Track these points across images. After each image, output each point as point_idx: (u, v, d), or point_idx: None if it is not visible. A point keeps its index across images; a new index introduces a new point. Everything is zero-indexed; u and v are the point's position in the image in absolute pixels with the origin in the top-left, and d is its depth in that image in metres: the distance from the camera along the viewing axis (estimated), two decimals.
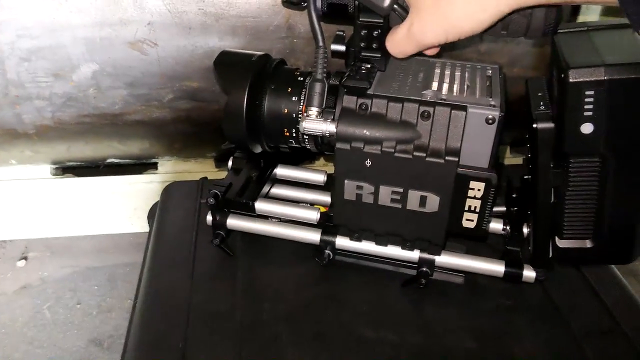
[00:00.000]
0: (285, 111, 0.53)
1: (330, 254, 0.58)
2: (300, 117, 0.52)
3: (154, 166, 0.88)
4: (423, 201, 0.50)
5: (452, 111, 0.47)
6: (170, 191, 0.73)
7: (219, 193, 0.58)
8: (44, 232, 0.90)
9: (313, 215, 0.59)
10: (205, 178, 0.74)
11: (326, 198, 0.65)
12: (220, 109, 0.75)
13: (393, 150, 0.48)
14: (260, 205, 0.60)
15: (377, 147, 0.48)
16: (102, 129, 0.76)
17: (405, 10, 0.47)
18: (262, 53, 0.55)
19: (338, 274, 0.59)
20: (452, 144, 0.47)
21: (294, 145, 0.56)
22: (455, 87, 0.50)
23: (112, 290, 0.83)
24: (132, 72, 0.70)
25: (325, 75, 0.51)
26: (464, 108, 0.46)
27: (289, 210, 0.60)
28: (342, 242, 0.57)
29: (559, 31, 0.47)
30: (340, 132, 0.48)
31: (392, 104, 0.48)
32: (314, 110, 0.51)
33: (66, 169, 0.87)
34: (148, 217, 0.74)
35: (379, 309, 0.56)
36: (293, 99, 0.53)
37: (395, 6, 0.47)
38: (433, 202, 0.49)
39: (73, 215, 0.89)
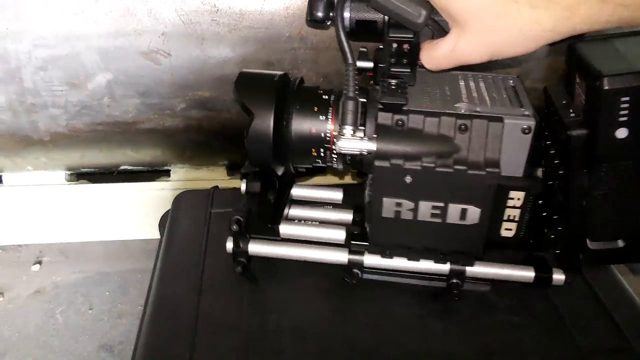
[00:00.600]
0: (313, 131, 0.52)
1: (359, 272, 0.57)
2: (329, 137, 0.52)
3: (166, 173, 0.89)
4: (464, 214, 0.49)
5: (489, 123, 0.47)
6: (180, 200, 0.73)
7: (241, 219, 0.55)
8: (59, 237, 0.91)
9: (340, 235, 0.58)
10: (216, 187, 0.74)
11: (345, 215, 0.63)
12: (231, 118, 0.76)
13: (434, 165, 0.47)
14: (284, 229, 0.58)
15: (417, 162, 0.47)
16: (115, 137, 0.77)
17: (438, 24, 0.47)
18: (281, 73, 0.54)
19: (347, 288, 0.58)
20: (491, 155, 0.47)
21: (320, 164, 0.55)
22: (486, 99, 0.50)
23: (124, 296, 0.84)
24: (145, 82, 0.71)
25: (357, 92, 0.50)
26: (500, 119, 0.47)
27: (315, 232, 0.59)
28: (372, 260, 0.56)
29: (579, 41, 0.48)
30: (380, 149, 0.48)
31: (428, 119, 0.47)
32: (348, 129, 0.49)
33: (80, 175, 0.88)
34: (159, 225, 0.74)
35: (386, 322, 0.55)
36: (320, 118, 0.52)
37: (429, 21, 0.46)
38: (474, 214, 0.49)
39: (87, 221, 0.90)
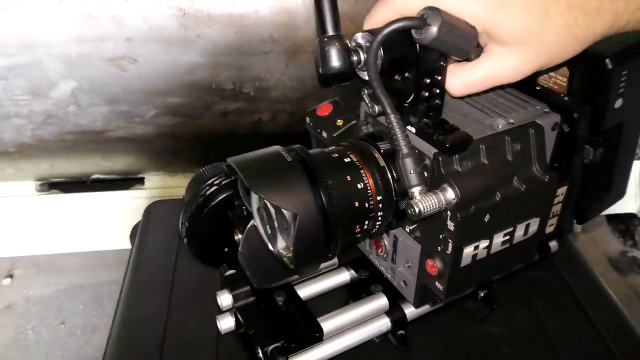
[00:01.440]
0: (357, 205, 0.43)
1: (404, 332, 0.53)
2: (372, 204, 0.44)
3: (140, 181, 0.86)
4: (527, 228, 0.47)
5: (531, 130, 0.46)
6: (152, 210, 0.71)
7: (280, 345, 0.46)
8: (30, 249, 0.88)
9: (385, 306, 0.53)
10: None
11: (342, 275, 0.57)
12: (205, 125, 0.74)
13: (508, 193, 0.44)
14: (327, 326, 0.50)
15: (493, 197, 0.44)
16: (85, 146, 0.75)
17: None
18: (277, 148, 0.43)
19: None
20: (541, 160, 0.46)
21: (357, 240, 0.49)
22: (503, 107, 0.48)
23: (98, 309, 0.82)
24: (112, 89, 0.69)
25: (410, 145, 0.42)
26: (538, 125, 0.46)
27: (358, 313, 0.52)
28: (412, 313, 0.53)
29: None
30: (464, 197, 0.42)
31: (485, 147, 0.44)
32: (416, 190, 0.41)
33: (51, 185, 0.85)
34: (130, 236, 0.72)
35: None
36: (359, 186, 0.43)
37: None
38: (534, 225, 0.48)
39: (59, 232, 0.87)
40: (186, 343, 0.53)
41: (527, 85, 0.52)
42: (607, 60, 0.47)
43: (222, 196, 0.50)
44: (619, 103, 0.49)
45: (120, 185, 0.86)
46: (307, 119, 0.54)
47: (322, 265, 0.55)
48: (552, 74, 0.52)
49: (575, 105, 0.49)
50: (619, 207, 0.88)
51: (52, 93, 0.68)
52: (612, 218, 0.92)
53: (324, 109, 0.53)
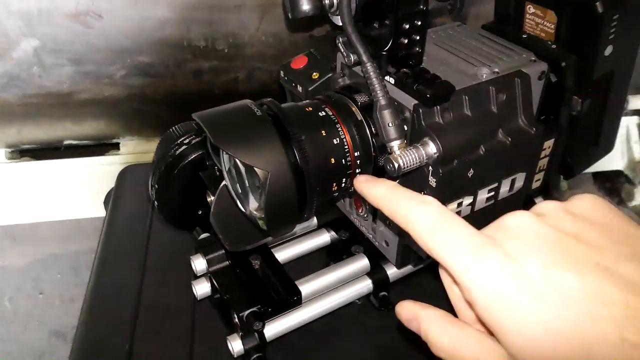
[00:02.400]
0: (333, 161, 0.40)
1: (386, 293, 0.52)
2: (350, 161, 0.41)
3: (116, 147, 0.83)
4: (512, 184, 0.45)
5: (516, 79, 0.43)
6: (125, 175, 0.68)
7: (257, 310, 0.44)
8: (5, 219, 0.85)
9: (365, 267, 0.51)
10: None
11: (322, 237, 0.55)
12: (177, 85, 0.70)
13: (492, 147, 0.42)
14: (305, 290, 0.47)
15: (477, 150, 0.41)
16: (52, 110, 0.71)
17: None
18: (246, 102, 0.39)
19: None
20: (527, 111, 0.43)
21: (335, 199, 0.46)
22: (487, 55, 0.45)
23: (76, 278, 0.80)
24: (77, 48, 0.65)
25: (389, 96, 0.39)
26: (525, 74, 0.43)
27: (338, 275, 0.49)
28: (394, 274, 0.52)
29: None
30: (447, 151, 0.39)
31: (468, 97, 0.41)
32: (395, 144, 0.39)
33: (23, 152, 0.82)
34: (104, 202, 0.69)
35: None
36: (335, 142, 0.40)
37: None
38: (520, 180, 0.45)
39: (34, 201, 0.84)
40: (162, 309, 0.51)
41: (513, 33, 0.50)
42: (598, 3, 0.44)
43: (193, 156, 0.48)
44: (609, 50, 0.47)
45: (95, 151, 0.83)
46: (281, 73, 0.51)
47: (301, 226, 0.53)
48: (539, 20, 0.50)
49: (563, 54, 0.47)
50: (606, 164, 0.87)
51: (13, 53, 0.64)
52: (598, 175, 0.91)
53: (299, 61, 0.50)
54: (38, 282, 0.79)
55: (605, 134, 0.55)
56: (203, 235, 0.49)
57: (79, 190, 0.84)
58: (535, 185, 0.49)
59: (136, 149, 0.82)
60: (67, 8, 0.62)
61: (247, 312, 0.43)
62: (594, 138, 0.54)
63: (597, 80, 0.49)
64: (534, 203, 0.53)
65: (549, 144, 0.47)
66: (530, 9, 0.49)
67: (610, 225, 0.27)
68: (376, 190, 0.34)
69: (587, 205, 0.29)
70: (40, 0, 0.61)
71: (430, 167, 0.40)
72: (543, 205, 0.29)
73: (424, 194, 0.42)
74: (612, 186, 0.90)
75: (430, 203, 0.30)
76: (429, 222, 0.29)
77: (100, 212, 0.85)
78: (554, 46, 0.48)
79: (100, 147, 0.83)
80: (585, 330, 0.24)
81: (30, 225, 0.86)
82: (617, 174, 0.91)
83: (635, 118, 0.90)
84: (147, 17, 0.64)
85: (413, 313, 0.31)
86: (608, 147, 0.57)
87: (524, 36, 0.50)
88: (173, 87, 0.71)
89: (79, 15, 0.62)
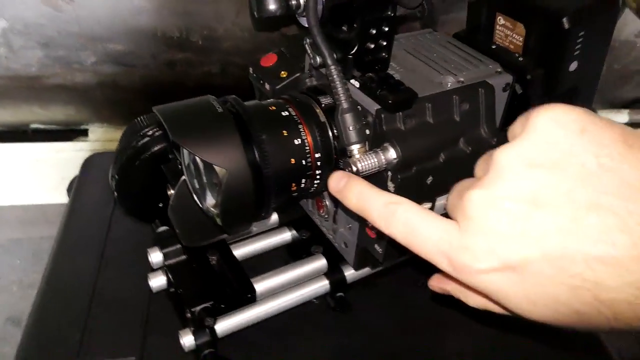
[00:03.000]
0: (293, 161, 0.40)
1: (343, 294, 0.52)
2: (310, 162, 0.41)
3: (84, 133, 0.82)
4: None
5: (481, 90, 0.43)
6: (91, 163, 0.67)
7: (209, 305, 0.44)
8: None
9: (323, 267, 0.51)
10: None
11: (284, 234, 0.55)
12: (150, 75, 0.70)
13: (452, 155, 0.42)
14: (260, 287, 0.47)
15: (437, 158, 0.41)
16: (19, 93, 0.70)
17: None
18: (208, 98, 0.39)
19: None
20: (490, 122, 0.44)
21: (294, 198, 0.45)
22: (453, 64, 0.46)
23: (36, 265, 0.78)
24: (47, 32, 0.64)
25: (351, 99, 0.39)
26: (489, 85, 0.43)
27: (294, 274, 0.50)
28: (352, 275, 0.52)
29: None
30: (406, 157, 0.39)
31: (431, 105, 0.41)
32: (355, 148, 0.39)
33: None
34: (67, 190, 0.68)
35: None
36: (296, 142, 0.40)
37: None
38: None
39: None
40: (117, 301, 0.51)
41: (483, 43, 0.51)
42: (565, 19, 0.44)
43: (155, 148, 0.47)
44: (573, 66, 0.47)
45: (62, 137, 0.82)
46: (251, 70, 0.51)
47: (262, 224, 0.53)
48: (508, 32, 0.50)
49: (529, 66, 0.47)
50: None
51: None
52: None
53: (268, 59, 0.50)
54: None
55: None
56: (161, 228, 0.49)
57: (44, 175, 0.82)
58: None
59: (105, 137, 0.81)
60: None
61: (199, 307, 0.43)
62: None
63: (561, 95, 0.50)
64: None
65: None
66: (501, 20, 0.49)
67: (563, 163, 0.27)
68: (350, 197, 0.36)
69: (542, 138, 0.28)
70: None
71: (389, 173, 0.41)
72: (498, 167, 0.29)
73: None
74: None
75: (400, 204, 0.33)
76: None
77: (64, 198, 0.84)
78: (521, 59, 0.48)
79: (68, 132, 0.82)
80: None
81: None
82: None
83: None
84: (121, 5, 0.63)
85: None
86: None
87: (493, 47, 0.50)
88: (146, 77, 0.70)
89: None
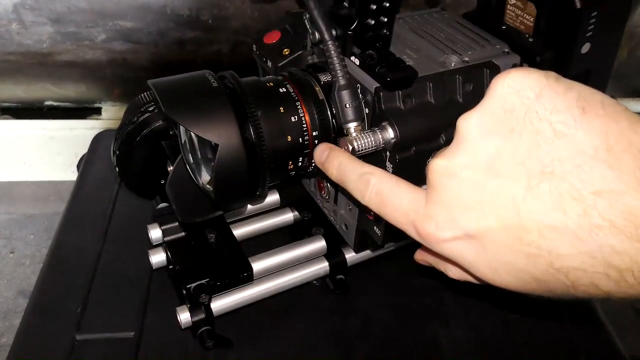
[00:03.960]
0: (289, 139, 0.40)
1: (343, 277, 0.51)
2: (307, 140, 0.40)
3: (97, 111, 0.82)
4: None
5: (485, 70, 0.42)
6: (100, 140, 0.68)
7: (204, 283, 0.44)
8: None
9: (322, 249, 0.50)
10: None
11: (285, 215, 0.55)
12: (159, 53, 0.69)
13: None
14: (258, 266, 0.47)
15: (438, 139, 0.40)
16: (31, 69, 0.70)
17: None
18: (204, 72, 0.38)
19: None
20: None
21: (293, 177, 0.44)
22: (460, 44, 0.44)
23: (49, 240, 0.79)
24: (58, 7, 0.64)
25: (349, 76, 0.39)
26: (495, 65, 0.42)
27: (293, 254, 0.49)
28: (353, 258, 0.51)
29: None
30: (404, 138, 0.38)
31: (432, 85, 0.40)
32: (352, 126, 0.38)
33: (3, 110, 0.81)
34: (77, 166, 0.69)
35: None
36: (292, 119, 0.39)
37: None
38: None
39: (12, 159, 0.84)
40: (118, 276, 0.51)
41: (493, 23, 0.49)
42: None
43: (156, 124, 0.47)
44: (586, 48, 0.46)
45: (77, 115, 0.83)
46: (254, 47, 0.50)
47: (263, 204, 0.53)
48: (519, 12, 0.49)
49: (539, 48, 0.46)
50: None
51: None
52: None
53: (272, 36, 0.49)
54: (10, 240, 0.79)
55: None
56: (161, 205, 0.49)
57: (58, 152, 0.83)
58: None
59: (118, 115, 0.82)
60: None
61: (194, 284, 0.43)
62: None
63: (573, 78, 0.49)
64: None
65: None
66: None
67: (519, 130, 0.26)
68: (331, 169, 0.36)
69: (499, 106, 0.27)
70: None
71: (387, 152, 0.40)
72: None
73: None
74: None
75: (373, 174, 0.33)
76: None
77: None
78: (531, 40, 0.47)
79: (82, 110, 0.83)
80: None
81: (6, 183, 0.86)
82: None
83: None
84: None
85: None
86: None
87: (503, 27, 0.48)
88: (155, 55, 0.70)
89: None
